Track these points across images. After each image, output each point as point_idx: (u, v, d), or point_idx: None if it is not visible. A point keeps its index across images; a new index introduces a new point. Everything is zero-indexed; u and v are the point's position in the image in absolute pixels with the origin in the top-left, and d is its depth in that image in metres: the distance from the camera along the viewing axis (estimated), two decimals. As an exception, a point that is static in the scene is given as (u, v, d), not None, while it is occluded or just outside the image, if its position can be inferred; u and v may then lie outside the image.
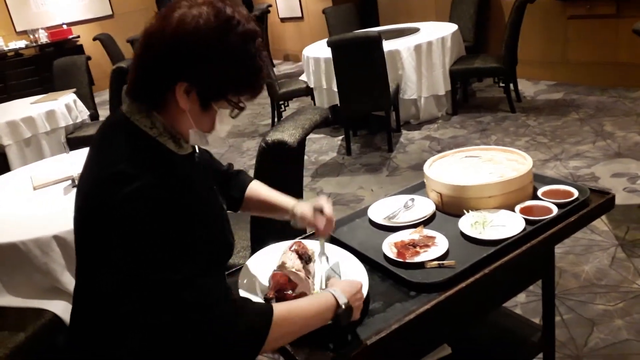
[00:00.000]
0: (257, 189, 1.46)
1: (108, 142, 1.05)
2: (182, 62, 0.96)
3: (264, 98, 6.81)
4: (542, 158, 3.77)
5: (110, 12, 9.70)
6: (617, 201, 1.65)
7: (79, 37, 9.22)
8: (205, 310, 0.96)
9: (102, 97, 7.43)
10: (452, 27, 5.14)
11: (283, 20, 9.32)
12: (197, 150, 1.19)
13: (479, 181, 1.56)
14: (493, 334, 1.79)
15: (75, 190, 2.39)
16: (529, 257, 1.37)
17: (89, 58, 5.22)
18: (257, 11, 7.98)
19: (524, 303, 2.33)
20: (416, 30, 5.31)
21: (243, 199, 1.45)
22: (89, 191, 1.02)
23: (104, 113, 5.39)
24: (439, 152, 4.07)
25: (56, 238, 1.96)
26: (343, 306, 1.07)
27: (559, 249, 2.59)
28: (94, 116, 5.06)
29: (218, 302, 0.99)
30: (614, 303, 2.26)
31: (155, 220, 0.94)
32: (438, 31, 5.04)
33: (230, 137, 5.64)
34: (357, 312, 1.13)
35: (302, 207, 1.38)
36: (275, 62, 9.19)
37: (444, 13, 6.19)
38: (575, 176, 3.42)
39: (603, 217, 2.79)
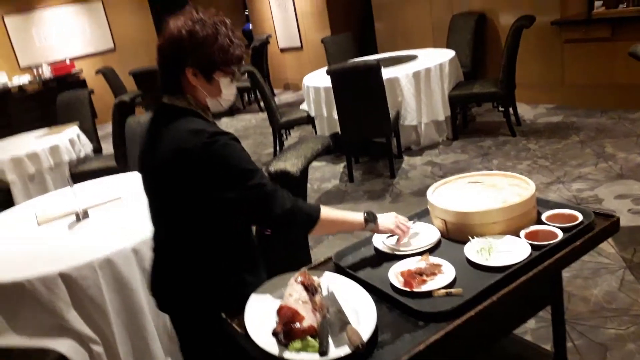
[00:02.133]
0: None
1: (164, 124, 1.43)
2: (184, 54, 1.39)
3: (266, 128, 6.88)
4: (545, 181, 3.77)
5: (112, 46, 9.84)
6: (622, 223, 1.65)
7: (81, 70, 9.36)
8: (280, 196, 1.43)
9: (105, 130, 7.48)
10: (450, 53, 5.20)
11: (283, 50, 9.46)
12: None
13: (483, 207, 1.56)
14: (503, 362, 1.76)
15: (80, 224, 2.39)
16: (536, 283, 1.36)
17: (91, 92, 5.29)
18: (257, 42, 8.10)
19: (534, 329, 2.30)
20: (414, 57, 5.38)
21: None
22: (167, 155, 1.39)
23: (107, 146, 5.42)
24: (441, 177, 4.07)
25: (62, 275, 1.95)
26: (371, 219, 1.56)
27: (566, 273, 2.57)
28: (97, 149, 5.08)
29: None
30: (625, 327, 2.23)
31: (233, 149, 1.38)
32: (436, 58, 5.10)
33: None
34: (398, 230, 1.59)
35: None
36: (275, 91, 9.29)
37: (441, 40, 6.28)
38: (579, 199, 3.42)
39: (609, 239, 2.77)
